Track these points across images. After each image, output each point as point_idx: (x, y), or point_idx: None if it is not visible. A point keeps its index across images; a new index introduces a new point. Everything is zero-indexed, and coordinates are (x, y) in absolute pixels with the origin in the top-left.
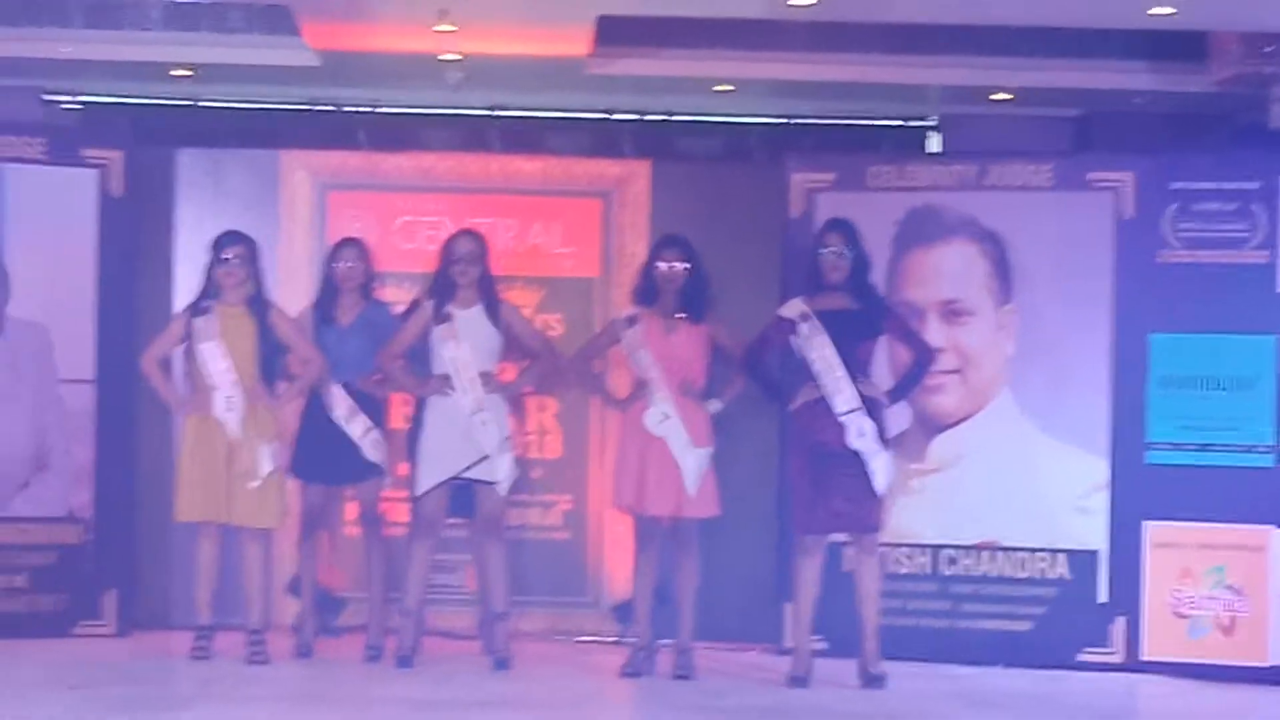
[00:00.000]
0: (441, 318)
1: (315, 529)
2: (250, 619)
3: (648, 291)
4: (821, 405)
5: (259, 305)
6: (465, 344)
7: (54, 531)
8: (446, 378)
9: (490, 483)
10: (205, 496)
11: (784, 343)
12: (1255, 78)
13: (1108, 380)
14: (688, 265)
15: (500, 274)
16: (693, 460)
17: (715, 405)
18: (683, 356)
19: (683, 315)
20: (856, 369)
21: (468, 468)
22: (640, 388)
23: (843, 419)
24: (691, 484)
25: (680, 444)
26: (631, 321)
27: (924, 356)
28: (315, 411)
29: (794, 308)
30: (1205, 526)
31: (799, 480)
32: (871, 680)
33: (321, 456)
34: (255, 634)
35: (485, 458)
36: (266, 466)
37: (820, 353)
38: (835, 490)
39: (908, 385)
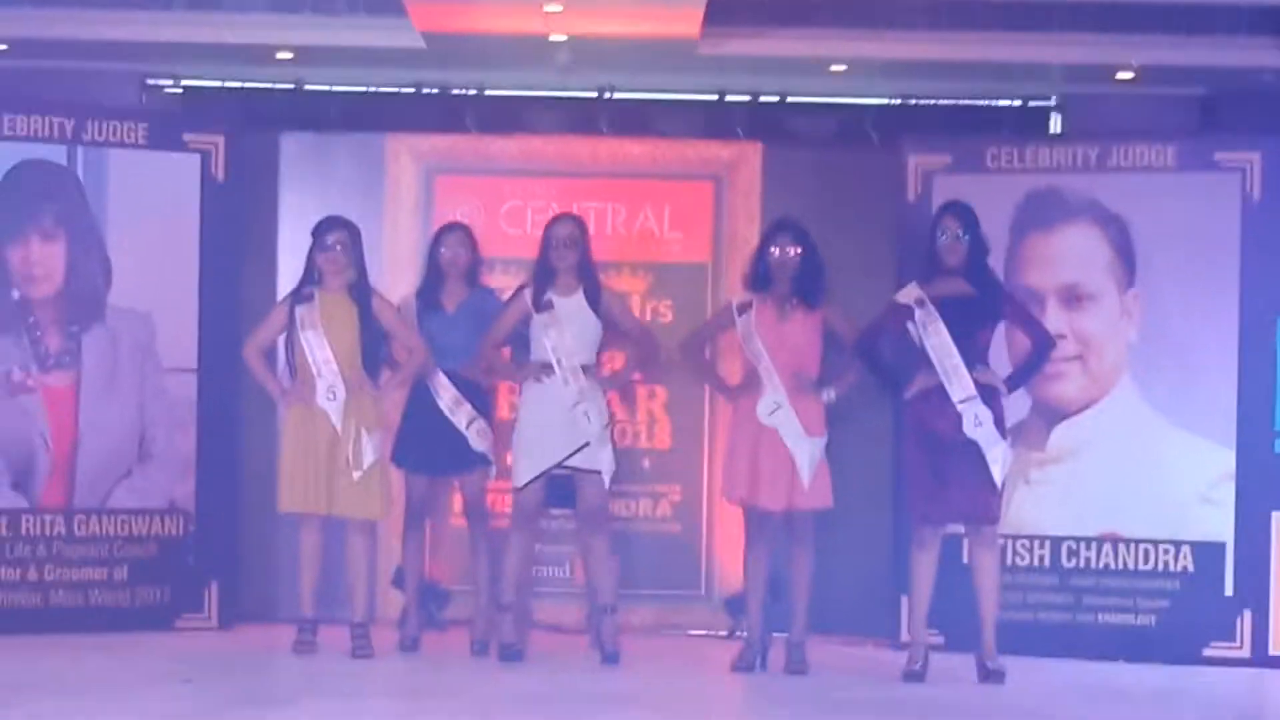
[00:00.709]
0: (543, 305)
1: (420, 521)
2: (354, 612)
3: (761, 277)
4: (937, 393)
5: (361, 292)
6: (566, 332)
7: (156, 523)
8: (545, 365)
9: (592, 472)
10: (306, 488)
11: (900, 329)
12: None
13: (1234, 367)
14: (800, 250)
15: (608, 259)
16: (806, 450)
17: (830, 394)
18: (796, 344)
19: (796, 302)
20: (974, 356)
21: (568, 456)
22: (752, 376)
23: (959, 407)
24: (805, 474)
25: (793, 434)
26: (744, 308)
27: (1043, 344)
28: (420, 400)
29: (910, 293)
30: None
31: (914, 470)
32: (989, 675)
33: (426, 446)
34: (359, 627)
35: (586, 445)
36: (369, 457)
37: (936, 339)
38: (951, 480)
39: (1026, 373)
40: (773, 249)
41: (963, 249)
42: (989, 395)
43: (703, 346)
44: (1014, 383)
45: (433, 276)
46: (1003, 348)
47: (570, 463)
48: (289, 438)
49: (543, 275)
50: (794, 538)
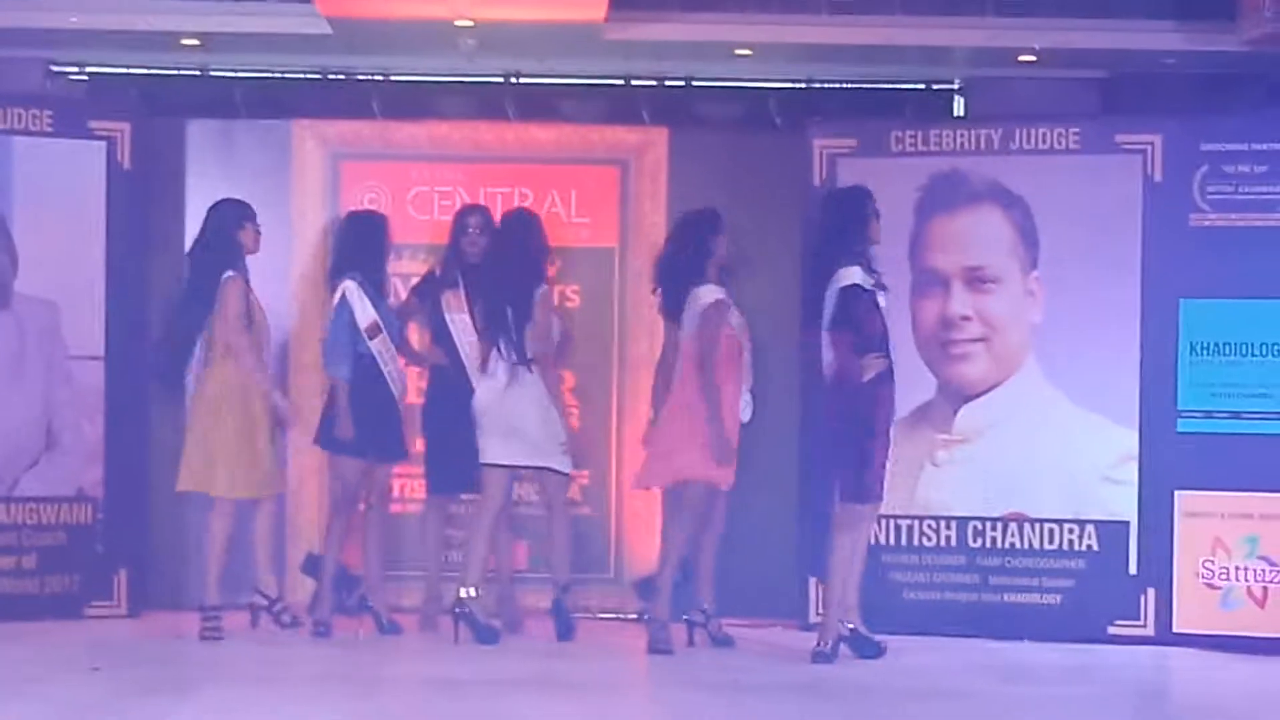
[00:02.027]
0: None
1: (351, 507)
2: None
3: None
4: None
5: None
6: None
7: (64, 511)
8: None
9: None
10: (251, 470)
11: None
12: None
13: (1137, 347)
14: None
15: None
16: None
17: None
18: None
19: None
20: None
21: None
22: None
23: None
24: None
25: None
26: None
27: None
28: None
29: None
30: (1238, 496)
31: (884, 452)
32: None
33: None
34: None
35: None
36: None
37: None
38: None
39: None
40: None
41: None
42: None
43: None
44: None
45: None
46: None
47: None
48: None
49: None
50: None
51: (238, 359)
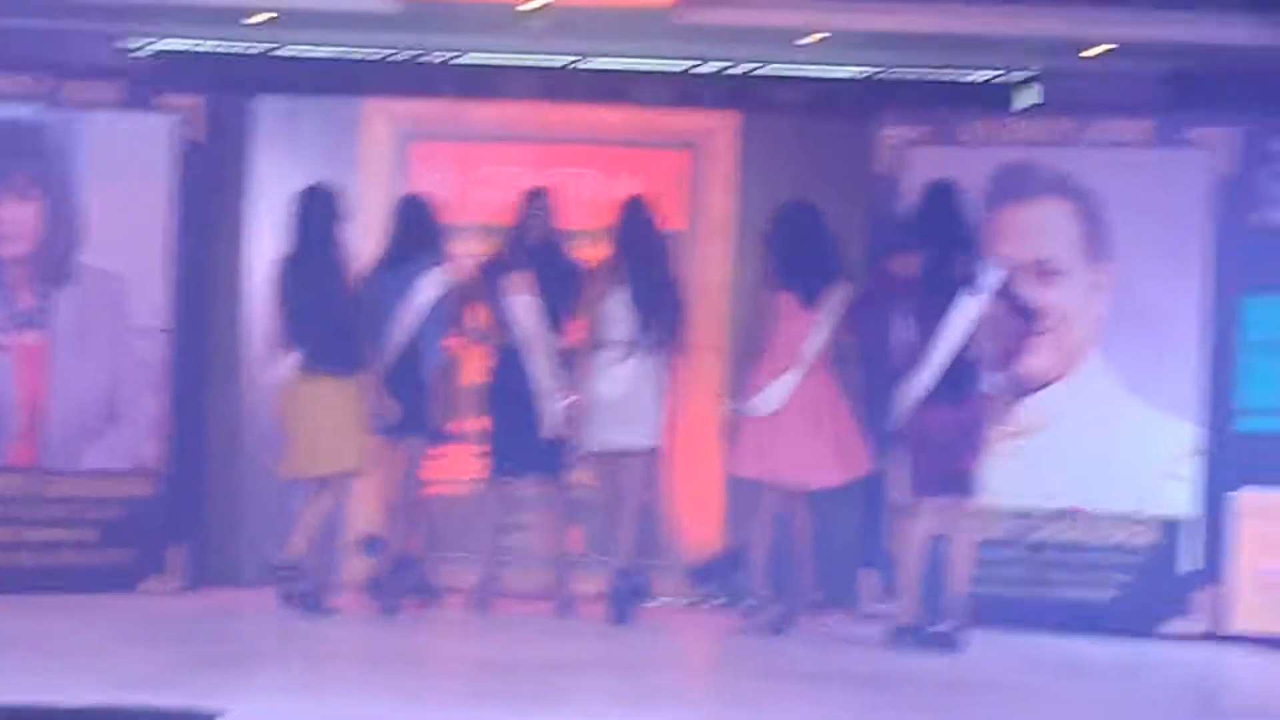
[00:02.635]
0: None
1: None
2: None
3: None
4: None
5: None
6: None
7: (124, 484)
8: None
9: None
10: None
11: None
12: None
13: (1201, 344)
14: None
15: (584, 227)
16: None
17: None
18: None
19: None
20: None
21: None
22: None
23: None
24: None
25: None
26: None
27: None
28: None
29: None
30: None
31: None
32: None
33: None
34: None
35: None
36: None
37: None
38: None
39: None
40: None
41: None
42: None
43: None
44: None
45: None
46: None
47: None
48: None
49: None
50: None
51: None
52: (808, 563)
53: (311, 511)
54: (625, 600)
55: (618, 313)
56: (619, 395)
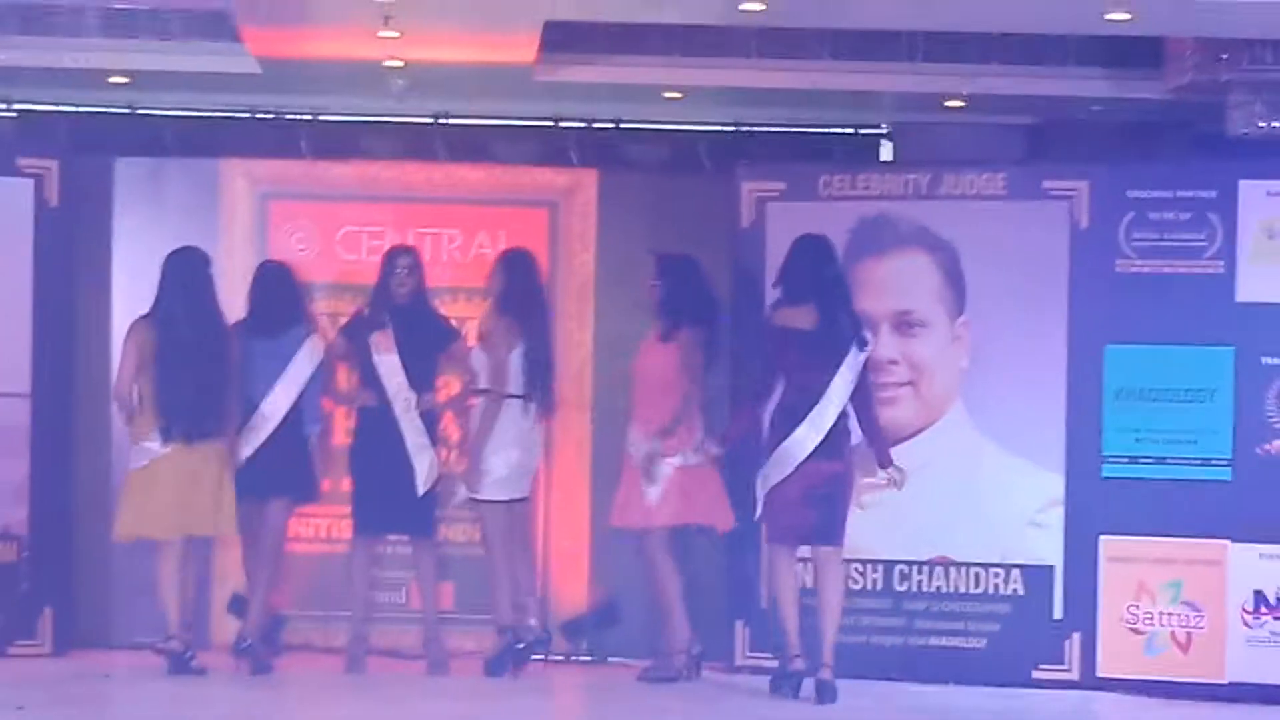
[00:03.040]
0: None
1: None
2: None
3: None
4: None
5: None
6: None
7: None
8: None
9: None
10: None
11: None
12: (1211, 85)
13: (1063, 393)
14: (655, 283)
15: (444, 285)
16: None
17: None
18: (652, 377)
19: (659, 334)
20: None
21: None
22: None
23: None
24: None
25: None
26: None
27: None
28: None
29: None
30: (1162, 541)
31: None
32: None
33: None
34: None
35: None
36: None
37: None
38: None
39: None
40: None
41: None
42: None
43: None
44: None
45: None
46: None
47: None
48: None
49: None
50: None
51: None
52: (680, 614)
53: (169, 576)
54: (507, 655)
55: (512, 365)
56: (514, 446)
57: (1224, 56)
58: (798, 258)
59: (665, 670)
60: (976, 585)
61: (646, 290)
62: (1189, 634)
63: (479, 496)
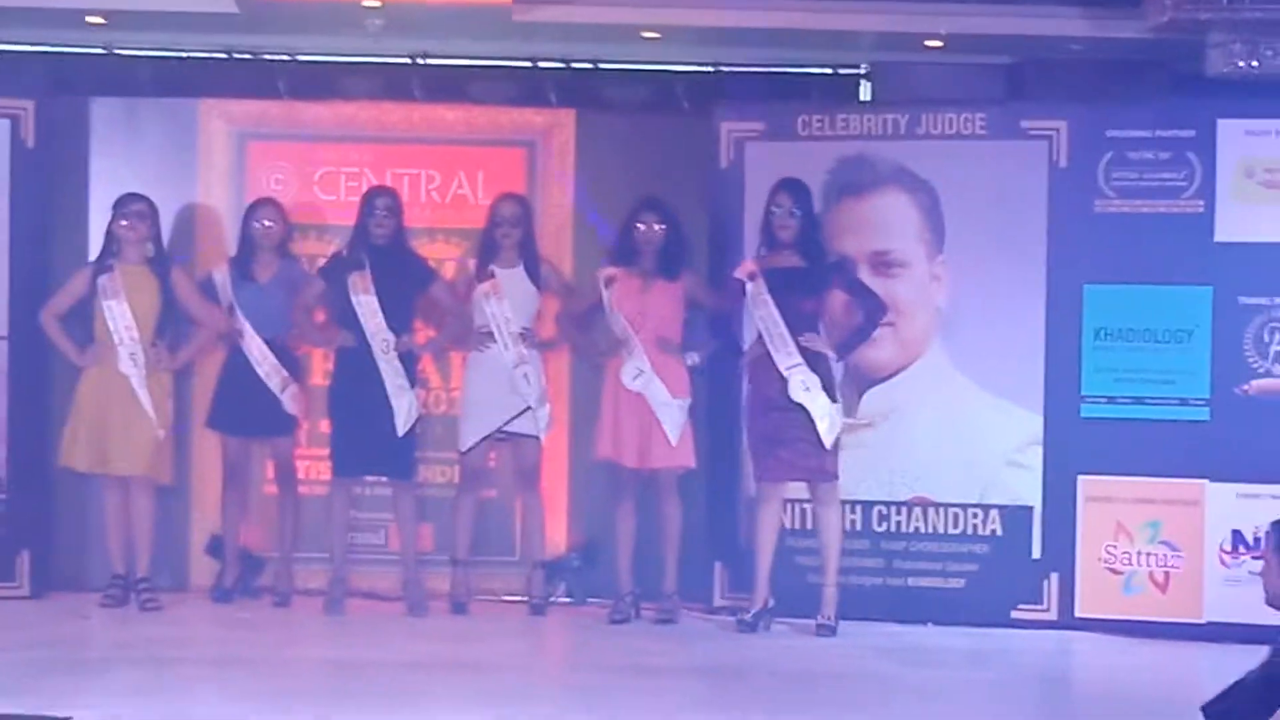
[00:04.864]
0: (484, 276)
1: (236, 485)
2: (140, 568)
3: (626, 252)
4: (766, 360)
5: (160, 265)
6: (505, 301)
7: None
8: (487, 333)
9: (531, 436)
10: (90, 447)
11: (741, 301)
12: (1190, 24)
13: (1041, 333)
14: (665, 226)
15: (423, 225)
16: (671, 413)
17: (693, 358)
18: (659, 314)
19: (658, 273)
20: (803, 325)
21: (510, 420)
22: (618, 344)
23: (785, 373)
24: (673, 435)
25: (658, 398)
26: (609, 281)
27: (873, 311)
28: (234, 366)
29: (744, 268)
30: (1140, 481)
31: (751, 433)
32: (822, 629)
33: (240, 409)
34: (143, 582)
35: (527, 409)
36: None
37: (764, 310)
38: (786, 441)
39: (856, 340)
40: (639, 225)
41: (795, 225)
42: (818, 361)
43: (577, 318)
44: (843, 350)
45: (245, 249)
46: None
47: (510, 427)
48: (84, 398)
49: (487, 249)
50: (661, 495)
51: None
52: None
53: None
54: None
55: (510, 304)
56: (505, 384)
57: None
58: (770, 198)
59: (623, 612)
60: (955, 525)
61: (643, 232)
62: (1167, 574)
63: (543, 436)
